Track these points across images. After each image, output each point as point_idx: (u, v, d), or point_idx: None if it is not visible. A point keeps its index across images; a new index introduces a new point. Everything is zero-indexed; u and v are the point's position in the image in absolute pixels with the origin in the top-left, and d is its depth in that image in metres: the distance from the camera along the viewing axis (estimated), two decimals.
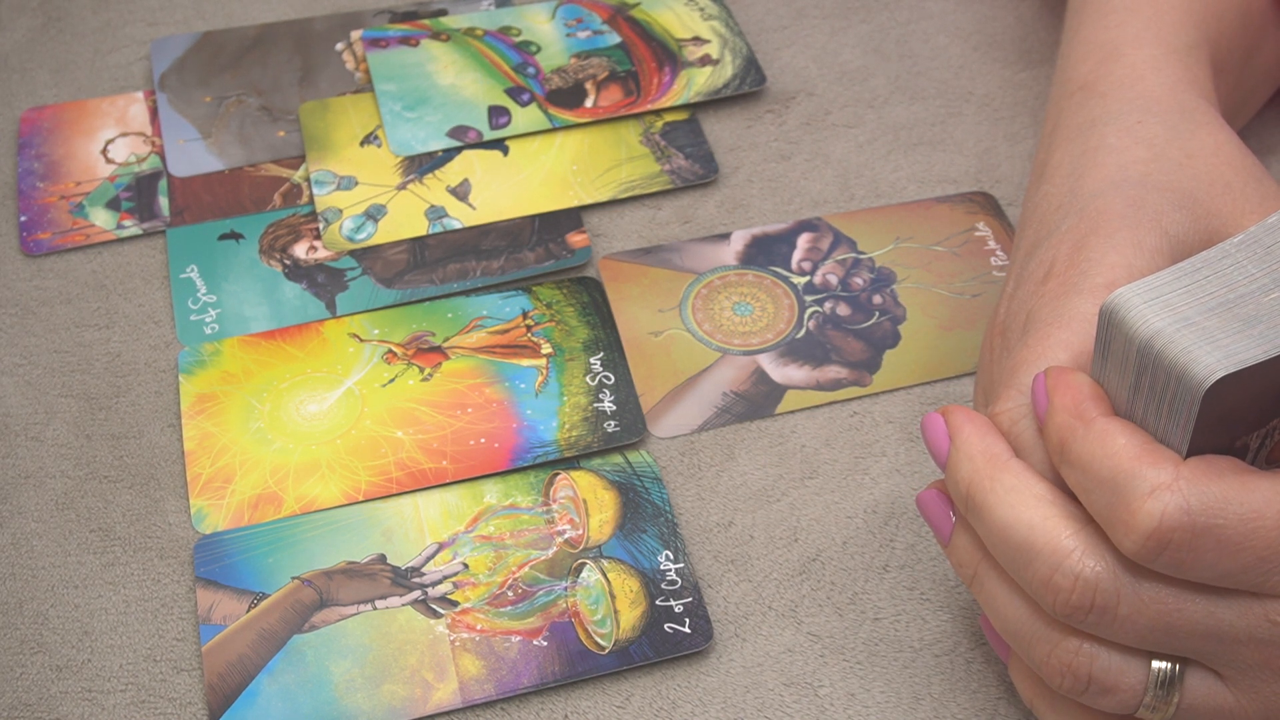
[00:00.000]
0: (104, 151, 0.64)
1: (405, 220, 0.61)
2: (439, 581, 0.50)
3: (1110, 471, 0.37)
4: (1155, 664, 0.39)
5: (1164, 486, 0.36)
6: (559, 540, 0.51)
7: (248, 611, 0.49)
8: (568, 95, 0.65)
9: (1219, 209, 0.45)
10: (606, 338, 0.57)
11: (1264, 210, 0.46)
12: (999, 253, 0.60)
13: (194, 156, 0.64)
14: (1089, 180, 0.47)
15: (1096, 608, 0.38)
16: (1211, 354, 0.36)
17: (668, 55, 0.67)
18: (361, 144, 0.64)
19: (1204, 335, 0.37)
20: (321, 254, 0.60)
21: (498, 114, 0.64)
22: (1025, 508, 0.39)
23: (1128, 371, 0.38)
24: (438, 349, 0.57)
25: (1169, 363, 0.37)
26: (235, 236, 0.61)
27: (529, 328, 0.57)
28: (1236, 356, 0.36)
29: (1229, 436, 0.38)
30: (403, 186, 0.62)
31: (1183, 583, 0.38)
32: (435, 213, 0.61)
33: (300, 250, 0.60)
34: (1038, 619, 0.40)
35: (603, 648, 0.48)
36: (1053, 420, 0.39)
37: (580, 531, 0.51)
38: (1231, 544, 0.36)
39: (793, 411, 0.55)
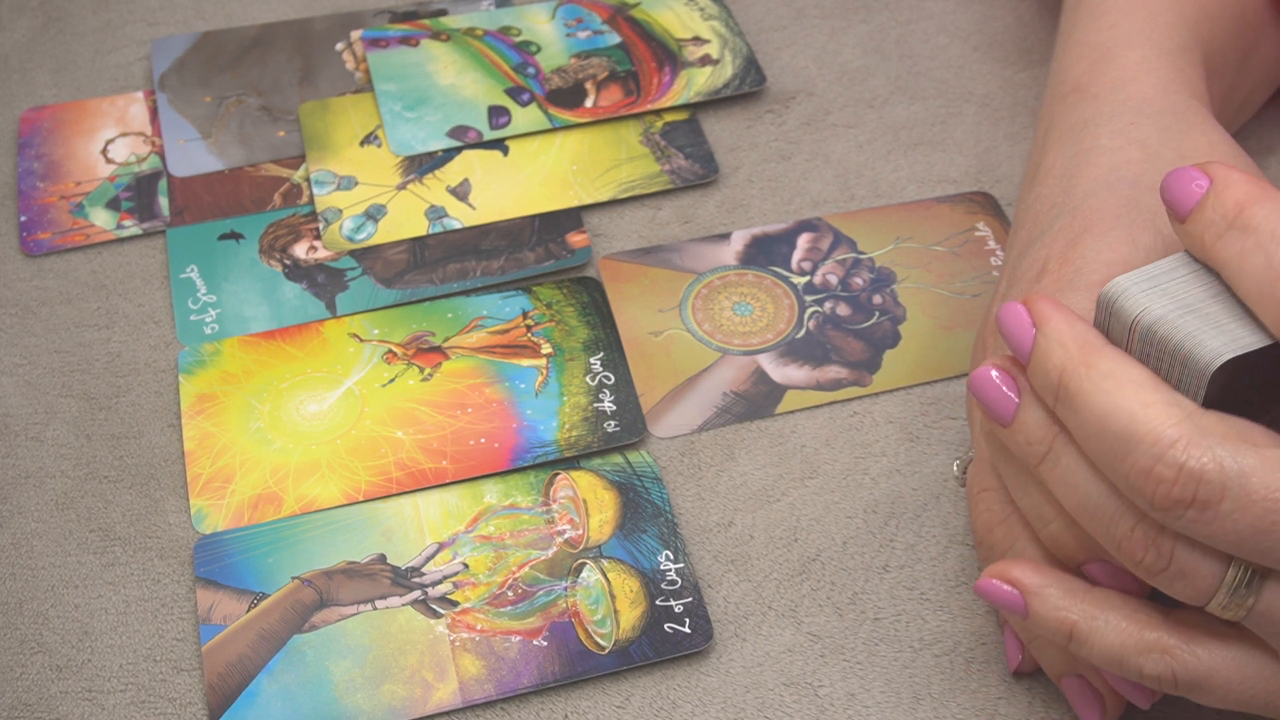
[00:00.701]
0: (104, 151, 0.64)
1: (405, 220, 0.61)
2: (439, 581, 0.50)
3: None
4: (1233, 567, 0.38)
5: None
6: (559, 540, 0.51)
7: (248, 611, 0.49)
8: (568, 95, 0.65)
9: None
10: (606, 338, 0.57)
11: None
12: (999, 253, 0.60)
13: (194, 156, 0.64)
14: (1082, 180, 0.47)
15: (1199, 501, 0.37)
16: (1216, 338, 0.36)
17: (668, 55, 0.67)
18: (361, 144, 0.64)
19: (1207, 320, 0.36)
20: (321, 254, 0.60)
21: (498, 114, 0.64)
22: (1126, 395, 0.38)
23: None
24: (438, 349, 0.57)
25: (1174, 347, 0.37)
26: (235, 236, 0.61)
27: (529, 328, 0.57)
28: (1241, 341, 0.36)
29: None
30: (403, 186, 0.62)
31: None
32: (435, 213, 0.61)
33: (300, 250, 0.60)
34: (1117, 500, 0.39)
35: (603, 648, 0.48)
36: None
37: (580, 531, 0.51)
38: None
39: (793, 411, 0.55)
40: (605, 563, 0.50)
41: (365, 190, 0.62)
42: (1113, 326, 0.38)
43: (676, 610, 0.49)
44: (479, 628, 0.49)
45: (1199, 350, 0.36)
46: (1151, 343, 0.37)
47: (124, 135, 0.65)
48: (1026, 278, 0.45)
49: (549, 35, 0.68)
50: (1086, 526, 0.41)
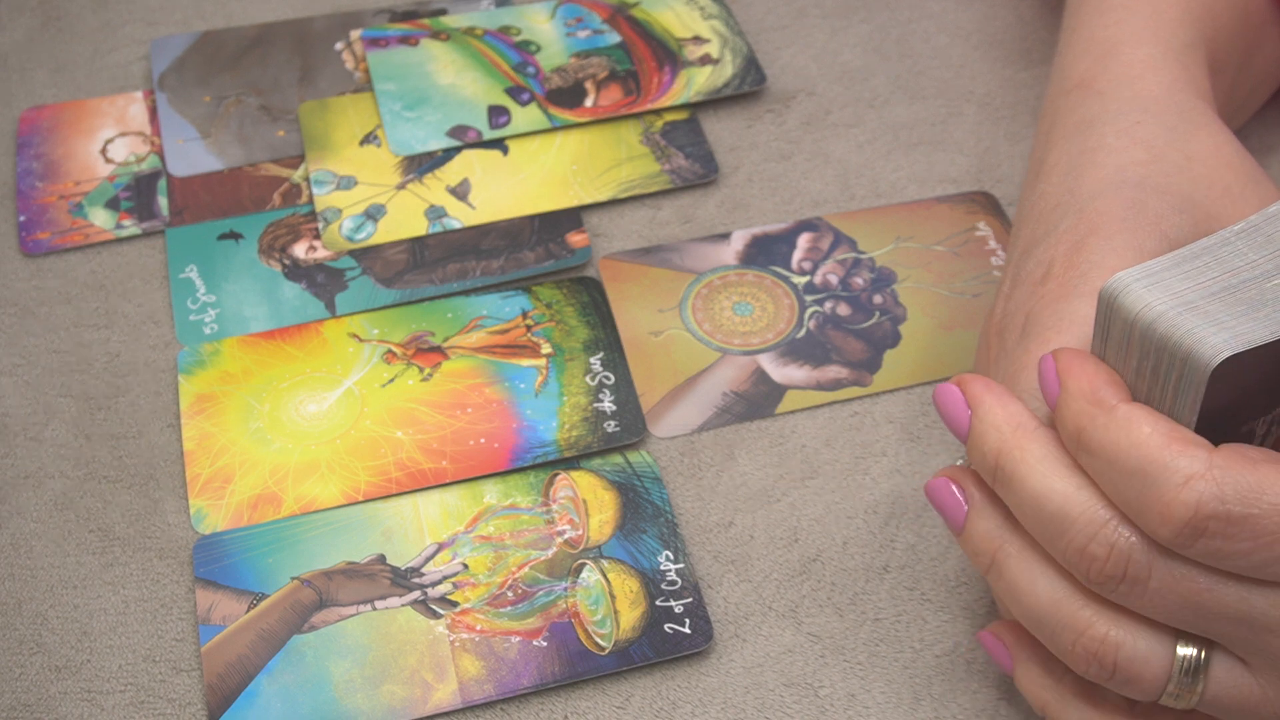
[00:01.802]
0: (103, 151, 0.64)
1: (405, 220, 0.61)
2: (439, 582, 0.50)
3: (1139, 461, 0.37)
4: (1181, 651, 0.39)
5: (1198, 476, 0.36)
6: (559, 540, 0.51)
7: (247, 612, 0.49)
8: (567, 95, 0.65)
9: (1218, 212, 0.45)
10: (606, 338, 0.57)
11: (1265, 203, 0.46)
12: (999, 253, 0.59)
13: (193, 156, 0.64)
14: (1087, 181, 0.47)
15: (1129, 578, 0.38)
16: (1217, 334, 0.36)
17: (668, 55, 0.67)
18: (361, 144, 0.64)
19: (1208, 318, 0.36)
20: (321, 254, 0.60)
21: (497, 113, 0.64)
22: (1059, 476, 0.39)
23: (1129, 356, 0.38)
24: (437, 349, 0.57)
25: (1174, 344, 0.36)
26: (235, 236, 0.61)
27: (529, 328, 0.57)
28: (1243, 337, 0.36)
29: (1235, 422, 0.38)
30: (402, 186, 0.62)
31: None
32: (435, 212, 0.61)
33: (300, 250, 0.60)
34: (1061, 606, 0.40)
35: (603, 648, 0.48)
36: (1068, 406, 0.39)
37: (580, 532, 0.51)
38: (1267, 533, 0.36)
39: (793, 411, 0.55)
40: (605, 563, 0.50)
41: (365, 190, 0.62)
42: (1113, 323, 0.38)
43: (676, 610, 0.49)
44: (479, 628, 0.49)
45: (1200, 347, 0.36)
46: (1152, 339, 0.37)
47: (123, 135, 0.65)
48: (1031, 280, 0.45)
49: (549, 35, 0.68)
50: (1033, 633, 0.42)
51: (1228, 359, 0.36)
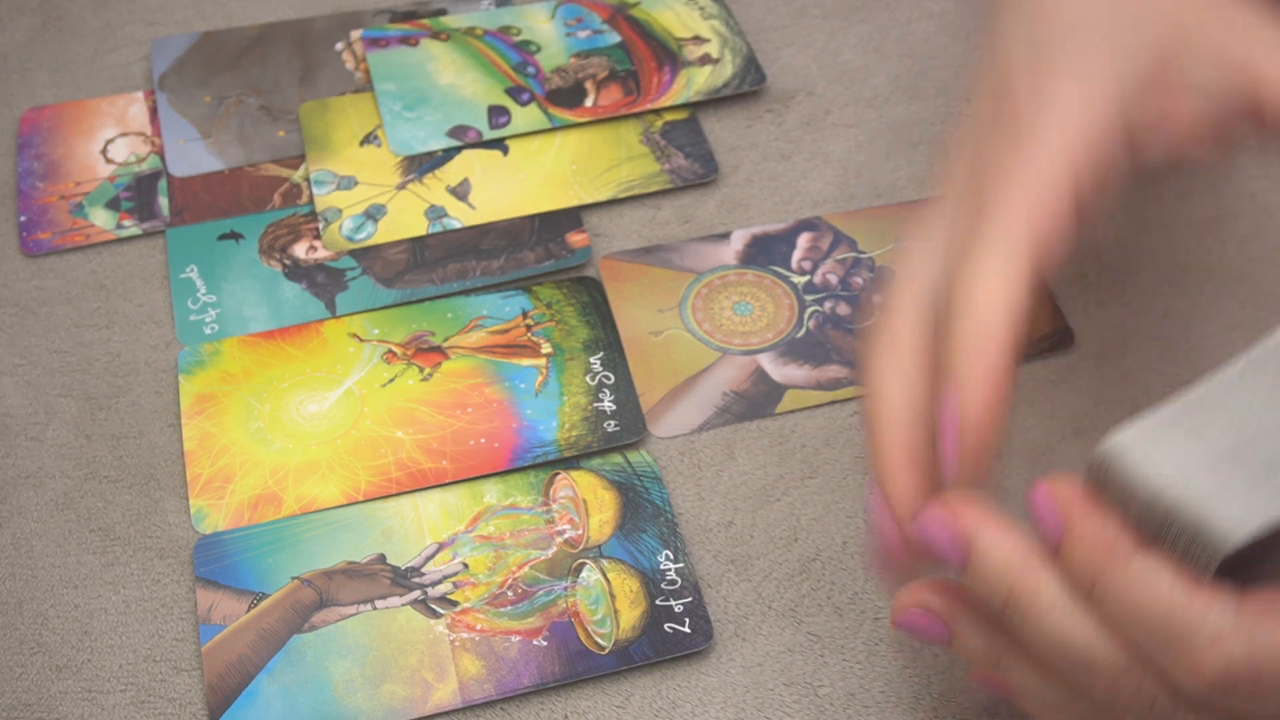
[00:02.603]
0: (104, 151, 0.64)
1: (405, 220, 0.61)
2: (439, 581, 0.50)
3: (1163, 615, 0.35)
4: None
5: (1227, 634, 0.35)
6: (559, 540, 0.51)
7: (247, 611, 0.49)
8: (567, 95, 0.65)
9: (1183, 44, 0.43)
10: (606, 337, 0.57)
11: (1228, 46, 0.43)
12: None
13: (194, 156, 0.64)
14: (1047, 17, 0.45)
15: (1155, 713, 0.37)
16: (1230, 510, 0.33)
17: (667, 54, 0.67)
18: (361, 144, 0.64)
19: (1217, 490, 0.34)
20: (321, 254, 0.60)
21: (497, 113, 0.64)
22: (1080, 622, 0.37)
23: (1129, 519, 0.36)
24: (437, 349, 0.57)
25: (1181, 521, 0.34)
26: (235, 236, 0.61)
27: (529, 327, 0.57)
28: (1258, 511, 0.33)
29: (1243, 578, 0.36)
30: (402, 186, 0.62)
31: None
32: (435, 212, 0.61)
33: (300, 250, 0.60)
34: (1075, 702, 0.39)
35: (603, 648, 0.48)
36: (1078, 554, 0.37)
37: (580, 531, 0.51)
38: None
39: (793, 411, 0.55)
40: (605, 563, 0.50)
41: (365, 190, 0.62)
42: (1109, 486, 0.36)
43: (676, 610, 0.49)
44: (479, 628, 0.49)
45: (1211, 529, 0.34)
46: (1157, 513, 0.35)
47: (124, 135, 0.65)
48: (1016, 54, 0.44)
49: (549, 35, 0.68)
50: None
51: (1242, 540, 0.34)
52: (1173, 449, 0.35)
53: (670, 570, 0.50)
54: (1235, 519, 0.33)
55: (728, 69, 0.66)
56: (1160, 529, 0.35)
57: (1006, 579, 0.38)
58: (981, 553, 0.39)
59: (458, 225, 0.61)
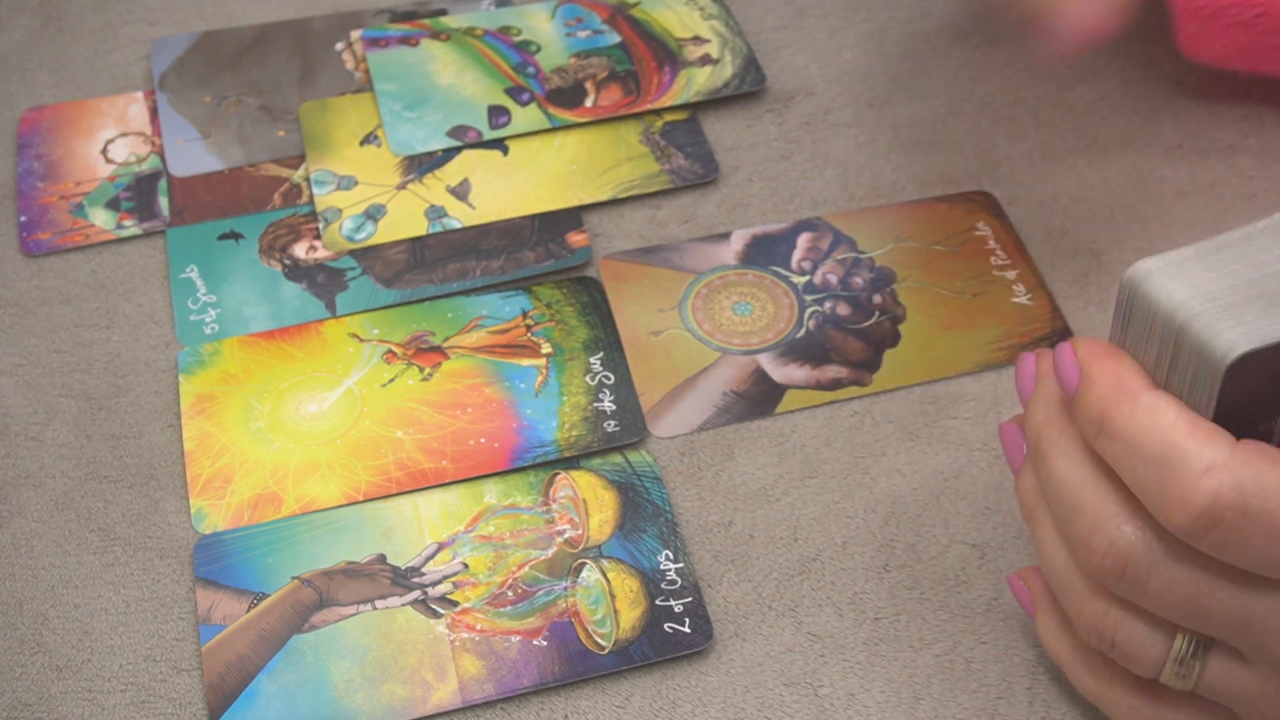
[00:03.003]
0: (104, 151, 0.64)
1: (405, 220, 0.61)
2: (439, 581, 0.50)
3: (1161, 446, 0.37)
4: (1179, 639, 0.39)
5: (1219, 465, 0.36)
6: (559, 540, 0.51)
7: (247, 611, 0.49)
8: (568, 95, 0.65)
9: None
10: (606, 337, 0.57)
11: None
12: (999, 252, 0.60)
13: (194, 156, 0.64)
14: None
15: (1128, 576, 0.38)
16: (1234, 330, 0.36)
17: (668, 55, 0.67)
18: (361, 144, 0.64)
19: (1227, 311, 0.36)
20: (321, 254, 0.60)
21: (497, 114, 0.64)
22: (1082, 464, 0.39)
23: (1149, 346, 0.38)
24: (437, 349, 0.57)
25: (1191, 337, 0.36)
26: (235, 236, 0.61)
27: (529, 327, 0.57)
28: (1260, 334, 0.36)
29: (1252, 419, 0.38)
30: (402, 186, 0.62)
31: (1219, 567, 0.37)
32: (435, 212, 0.61)
33: (300, 250, 0.60)
34: (1075, 571, 0.41)
35: (603, 647, 0.48)
36: (1092, 392, 0.39)
37: (580, 531, 0.51)
38: None
39: (793, 411, 0.55)
40: (605, 562, 0.50)
41: (365, 190, 0.62)
42: (1134, 311, 0.38)
43: (676, 610, 0.49)
44: (479, 628, 0.49)
45: (1216, 342, 0.36)
46: (1171, 330, 0.37)
47: (124, 135, 0.65)
48: None
49: (549, 35, 0.68)
50: (1052, 588, 0.43)
51: (1243, 356, 0.35)
52: (1190, 279, 0.37)
53: (670, 570, 0.50)
54: (1237, 337, 0.36)
55: (728, 69, 0.66)
56: (1175, 351, 0.37)
57: (1039, 421, 0.41)
58: (1034, 394, 0.42)
59: (458, 225, 0.61)
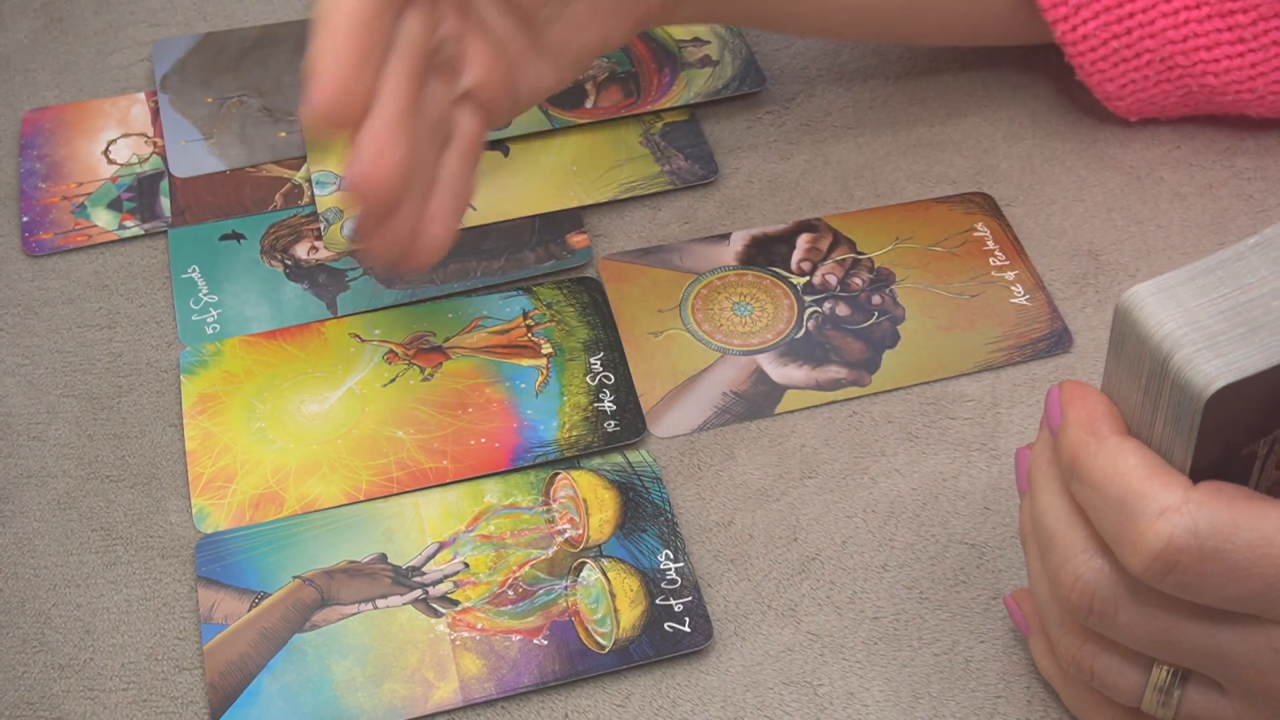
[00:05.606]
0: (106, 152, 0.64)
1: None
2: (439, 581, 0.50)
3: (1120, 490, 0.37)
4: (1156, 671, 0.40)
5: (1173, 509, 0.36)
6: (559, 540, 0.51)
7: (249, 611, 0.49)
8: (567, 96, 0.65)
9: None
10: (606, 338, 0.57)
11: None
12: (998, 253, 0.60)
13: (195, 157, 0.64)
14: None
15: (1095, 611, 0.39)
16: (1214, 363, 0.36)
17: (667, 56, 0.67)
18: None
19: (1210, 342, 0.36)
20: (323, 254, 0.60)
21: None
22: (1060, 499, 0.40)
23: (1140, 373, 0.38)
24: (438, 349, 0.57)
25: (1174, 369, 0.37)
26: (237, 237, 0.61)
27: (529, 328, 0.57)
28: (1239, 366, 0.36)
29: (1236, 443, 0.38)
30: None
31: (1183, 604, 0.38)
32: None
33: (301, 250, 0.60)
34: (1055, 602, 0.41)
35: (603, 647, 0.49)
36: (1066, 435, 0.40)
37: (580, 531, 0.51)
38: (1238, 570, 0.36)
39: (792, 411, 0.55)
40: (605, 562, 0.51)
41: None
42: (1126, 338, 0.38)
43: (676, 609, 0.49)
44: (479, 627, 0.49)
45: (1195, 377, 0.36)
46: (1157, 360, 0.37)
47: (126, 136, 0.65)
48: None
49: None
50: (1041, 619, 0.43)
51: (1222, 389, 0.36)
52: (1180, 305, 0.37)
53: (670, 570, 0.50)
54: (1215, 370, 0.36)
55: (728, 70, 0.66)
56: (1160, 380, 0.37)
57: (1034, 455, 0.42)
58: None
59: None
